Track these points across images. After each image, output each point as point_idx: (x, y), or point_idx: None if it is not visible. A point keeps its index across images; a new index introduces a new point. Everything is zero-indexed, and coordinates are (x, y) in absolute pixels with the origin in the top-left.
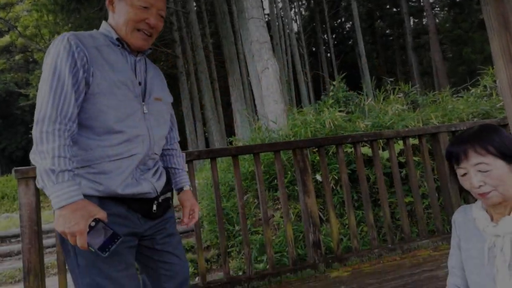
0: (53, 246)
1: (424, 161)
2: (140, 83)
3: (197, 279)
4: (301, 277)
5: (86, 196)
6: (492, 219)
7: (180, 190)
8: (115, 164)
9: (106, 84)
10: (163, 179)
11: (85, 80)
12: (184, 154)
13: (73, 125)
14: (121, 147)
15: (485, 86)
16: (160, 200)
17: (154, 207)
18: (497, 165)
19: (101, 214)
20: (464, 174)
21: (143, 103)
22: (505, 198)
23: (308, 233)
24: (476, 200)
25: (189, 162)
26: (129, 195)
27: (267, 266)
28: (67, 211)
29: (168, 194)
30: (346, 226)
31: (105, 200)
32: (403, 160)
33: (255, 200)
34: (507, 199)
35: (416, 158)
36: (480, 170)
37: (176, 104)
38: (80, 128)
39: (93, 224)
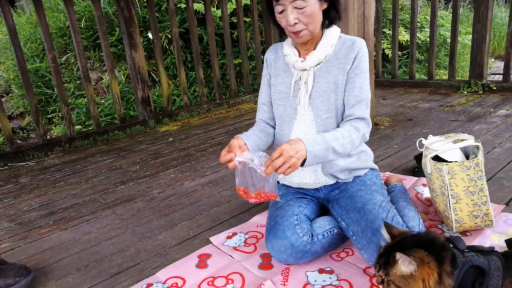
0: None
1: (253, 22)
2: None
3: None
4: (130, 133)
5: None
6: (300, 55)
7: None
8: None
9: None
10: None
11: None
12: None
13: None
14: None
15: None
16: None
17: None
18: (311, 2)
19: None
20: (282, 11)
21: None
22: (313, 36)
23: (137, 89)
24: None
25: None
26: None
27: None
28: None
29: None
30: (180, 87)
31: None
32: (235, 21)
33: (78, 61)
34: (314, 37)
35: (247, 20)
36: (296, 7)
37: None
38: None
39: None
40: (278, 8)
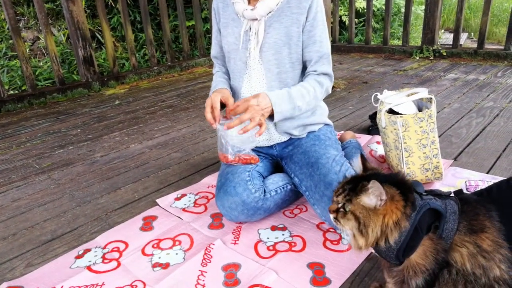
0: None
1: None
2: None
3: None
4: (72, 97)
5: None
6: (249, 3)
7: None
8: None
9: None
10: None
11: None
12: None
13: None
14: None
15: None
16: None
17: None
18: None
19: None
20: None
21: None
22: None
23: (77, 48)
24: None
25: None
26: None
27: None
28: None
29: None
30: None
31: None
32: None
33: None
34: None
35: None
36: None
37: None
38: None
39: None
40: None
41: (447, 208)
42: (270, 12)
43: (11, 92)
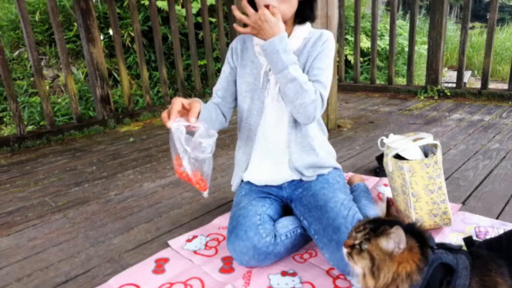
0: None
1: (218, 22)
2: None
3: None
4: (88, 133)
5: None
6: None
7: None
8: None
9: None
10: None
11: None
12: None
13: None
14: None
15: None
16: None
17: None
18: None
19: None
20: None
21: None
22: (282, 19)
23: (95, 87)
24: None
25: None
26: None
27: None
28: None
29: None
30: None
31: None
32: (201, 21)
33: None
34: (286, 21)
35: (213, 20)
36: None
37: None
38: None
39: None
40: None
41: (459, 263)
42: None
43: (30, 127)
